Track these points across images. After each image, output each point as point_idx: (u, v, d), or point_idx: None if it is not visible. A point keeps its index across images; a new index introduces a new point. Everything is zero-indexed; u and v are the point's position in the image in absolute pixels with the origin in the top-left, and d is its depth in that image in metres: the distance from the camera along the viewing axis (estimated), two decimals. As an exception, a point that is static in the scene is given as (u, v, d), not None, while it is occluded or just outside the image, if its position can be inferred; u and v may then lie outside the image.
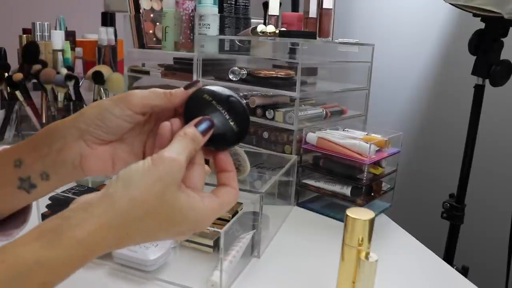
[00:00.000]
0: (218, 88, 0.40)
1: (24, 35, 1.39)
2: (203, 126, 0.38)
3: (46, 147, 0.39)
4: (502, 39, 0.99)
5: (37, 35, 1.34)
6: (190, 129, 0.37)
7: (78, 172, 0.40)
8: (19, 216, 0.43)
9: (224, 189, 0.39)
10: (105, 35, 1.29)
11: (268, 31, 0.98)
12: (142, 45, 1.30)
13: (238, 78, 0.99)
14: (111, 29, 1.32)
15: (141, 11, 1.29)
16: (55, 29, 1.36)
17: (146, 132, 0.42)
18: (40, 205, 0.66)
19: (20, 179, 0.39)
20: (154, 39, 1.32)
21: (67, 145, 0.39)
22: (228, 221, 0.68)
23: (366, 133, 0.92)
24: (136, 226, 0.34)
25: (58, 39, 1.25)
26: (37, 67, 1.21)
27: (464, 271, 1.04)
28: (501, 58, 1.00)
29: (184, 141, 0.36)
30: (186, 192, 0.36)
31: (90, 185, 0.79)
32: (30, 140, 0.39)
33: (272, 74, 0.95)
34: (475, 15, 0.97)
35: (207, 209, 0.37)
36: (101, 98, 1.22)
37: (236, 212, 0.72)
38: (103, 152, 0.40)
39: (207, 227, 0.40)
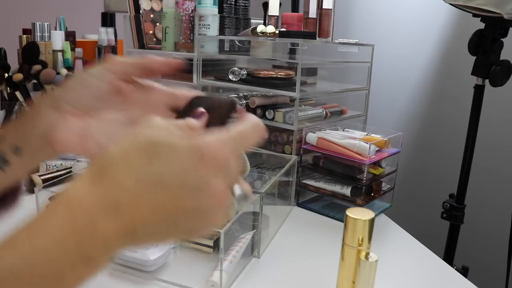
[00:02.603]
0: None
1: (24, 35, 1.40)
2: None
3: (23, 119, 0.38)
4: (502, 39, 0.99)
5: (37, 35, 1.34)
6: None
7: (47, 147, 0.38)
8: (7, 198, 0.41)
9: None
10: (105, 35, 1.30)
11: (268, 32, 0.98)
12: (142, 46, 1.30)
13: (238, 78, 0.99)
14: (111, 30, 1.32)
15: (141, 11, 1.29)
16: (55, 29, 1.36)
17: (119, 116, 0.40)
18: (40, 206, 0.66)
19: None
20: (154, 39, 1.32)
21: (38, 113, 0.38)
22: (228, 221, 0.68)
23: (366, 133, 0.92)
24: (121, 166, 0.29)
25: (58, 40, 1.26)
26: (37, 67, 1.21)
27: (464, 271, 1.04)
28: (501, 58, 1.00)
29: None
30: None
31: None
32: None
33: (272, 74, 0.95)
34: (475, 15, 0.97)
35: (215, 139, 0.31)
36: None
37: (236, 212, 0.72)
38: (74, 125, 0.38)
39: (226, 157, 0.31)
